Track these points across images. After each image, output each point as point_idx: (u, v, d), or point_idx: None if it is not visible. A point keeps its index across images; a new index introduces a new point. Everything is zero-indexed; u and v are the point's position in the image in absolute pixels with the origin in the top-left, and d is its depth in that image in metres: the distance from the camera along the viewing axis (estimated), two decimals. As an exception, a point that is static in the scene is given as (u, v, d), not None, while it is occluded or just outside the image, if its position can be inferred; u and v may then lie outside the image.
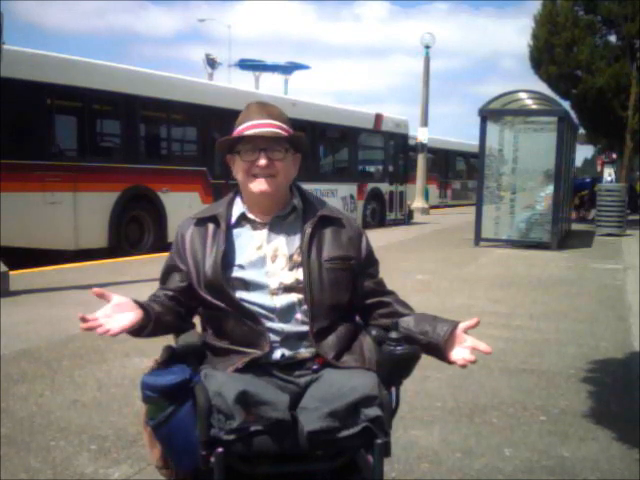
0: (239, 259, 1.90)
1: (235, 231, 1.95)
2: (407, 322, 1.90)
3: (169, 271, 1.99)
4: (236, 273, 1.88)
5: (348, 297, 1.93)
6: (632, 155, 20.08)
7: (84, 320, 1.70)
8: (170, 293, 1.95)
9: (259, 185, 1.90)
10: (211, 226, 1.94)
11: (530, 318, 6.11)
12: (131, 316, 1.77)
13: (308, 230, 1.92)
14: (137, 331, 1.81)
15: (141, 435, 2.02)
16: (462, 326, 1.86)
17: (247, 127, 1.90)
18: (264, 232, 1.94)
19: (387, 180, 18.10)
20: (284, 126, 1.92)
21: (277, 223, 1.95)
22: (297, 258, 1.90)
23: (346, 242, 1.95)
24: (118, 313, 1.76)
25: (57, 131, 9.96)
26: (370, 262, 2.02)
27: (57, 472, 2.83)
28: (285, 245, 1.92)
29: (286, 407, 1.69)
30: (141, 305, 1.82)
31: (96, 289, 1.78)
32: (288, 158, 1.94)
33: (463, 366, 1.81)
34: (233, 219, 1.96)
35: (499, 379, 4.22)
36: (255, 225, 1.95)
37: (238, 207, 1.98)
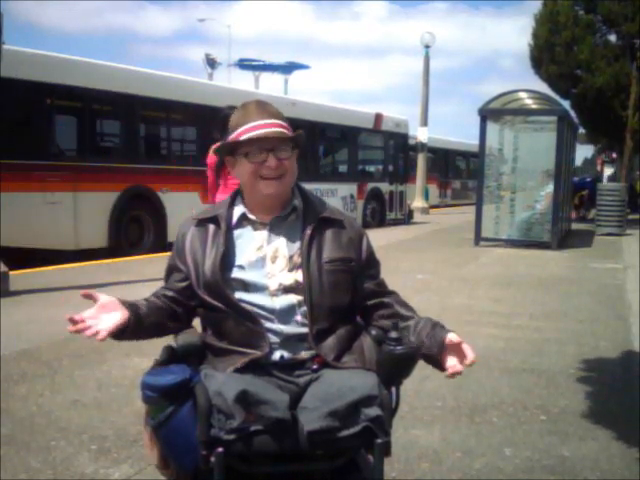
0: (239, 260, 1.90)
1: (236, 232, 1.94)
2: (405, 329, 1.90)
3: (170, 271, 2.00)
4: (236, 274, 1.88)
5: (348, 299, 1.93)
6: (632, 154, 20.08)
7: (72, 322, 1.73)
8: (170, 293, 1.96)
9: (268, 187, 1.89)
10: (211, 227, 1.94)
11: (530, 317, 6.11)
12: (117, 316, 1.79)
13: (308, 231, 1.91)
14: (120, 333, 1.81)
15: (141, 435, 2.02)
16: (449, 337, 1.82)
17: (252, 127, 1.87)
18: (265, 233, 1.93)
19: (387, 180, 18.09)
20: (285, 125, 1.92)
21: (278, 224, 1.94)
22: (297, 259, 1.89)
23: (346, 243, 1.94)
24: (104, 313, 1.78)
25: (57, 131, 9.95)
26: (371, 263, 2.01)
27: (57, 472, 2.83)
28: (285, 246, 1.92)
29: (286, 406, 1.69)
30: (125, 305, 1.83)
31: (84, 291, 1.80)
32: (293, 157, 1.93)
33: (451, 376, 1.81)
34: (234, 220, 1.95)
35: (499, 379, 4.22)
36: (256, 226, 1.95)
37: (239, 208, 1.97)
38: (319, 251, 1.90)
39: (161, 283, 2.03)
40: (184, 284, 1.94)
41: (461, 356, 1.81)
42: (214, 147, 2.01)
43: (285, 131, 1.90)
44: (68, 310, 1.85)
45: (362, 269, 1.97)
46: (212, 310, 1.89)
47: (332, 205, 2.05)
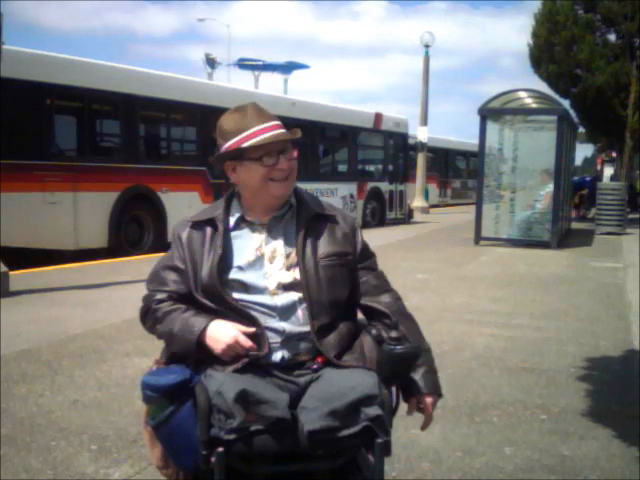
0: (238, 261, 1.90)
1: (233, 234, 1.94)
2: None
3: (167, 271, 1.96)
4: (235, 275, 1.88)
5: (347, 293, 1.94)
6: (632, 154, 20.07)
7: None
8: (174, 295, 1.93)
9: (279, 188, 1.90)
10: (208, 229, 1.93)
11: (530, 317, 6.11)
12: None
13: (303, 229, 1.92)
14: None
15: (141, 435, 2.02)
16: (427, 401, 1.89)
17: (259, 131, 1.87)
18: (263, 233, 1.94)
19: (387, 179, 18.10)
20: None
21: (275, 223, 1.95)
22: (294, 257, 1.90)
23: (341, 238, 1.96)
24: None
25: (57, 131, 9.95)
26: (366, 255, 2.03)
27: (57, 472, 2.83)
28: (282, 245, 1.92)
29: (286, 405, 1.69)
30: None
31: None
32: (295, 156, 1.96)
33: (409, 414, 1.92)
34: (231, 222, 1.95)
35: (499, 378, 4.22)
36: (254, 227, 1.95)
37: (236, 209, 1.97)
38: (314, 247, 1.91)
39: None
40: (184, 286, 1.93)
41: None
42: (216, 155, 1.98)
43: (286, 131, 1.93)
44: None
45: (358, 262, 1.98)
46: (211, 313, 1.88)
47: (324, 201, 2.07)
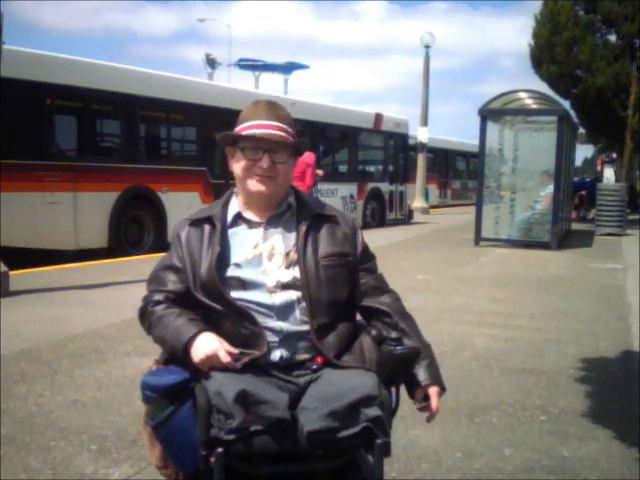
0: (235, 258, 1.90)
1: (231, 231, 1.95)
2: None
3: (166, 271, 1.96)
4: (233, 272, 1.88)
5: (346, 293, 1.94)
6: (632, 155, 20.07)
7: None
8: (171, 296, 1.93)
9: (258, 185, 1.91)
10: (207, 227, 1.95)
11: (530, 318, 6.11)
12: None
13: (303, 228, 1.92)
14: None
15: (141, 435, 2.02)
16: (430, 391, 1.86)
17: (254, 125, 1.90)
18: (260, 231, 1.94)
19: (387, 180, 18.09)
20: (290, 130, 1.94)
21: (273, 222, 1.96)
22: (293, 256, 1.90)
23: (341, 238, 1.96)
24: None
25: (57, 131, 9.95)
26: (367, 257, 2.03)
27: (57, 472, 2.83)
28: (281, 243, 1.93)
29: (286, 406, 1.69)
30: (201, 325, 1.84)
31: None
32: (290, 162, 1.96)
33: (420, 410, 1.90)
34: (229, 219, 1.96)
35: (499, 379, 4.22)
36: (251, 224, 1.96)
37: (234, 207, 1.98)
38: (315, 247, 1.91)
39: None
40: (183, 285, 1.93)
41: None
42: (221, 134, 2.02)
43: (286, 135, 1.92)
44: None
45: (358, 263, 1.99)
46: (210, 311, 1.88)
47: (325, 202, 2.07)
